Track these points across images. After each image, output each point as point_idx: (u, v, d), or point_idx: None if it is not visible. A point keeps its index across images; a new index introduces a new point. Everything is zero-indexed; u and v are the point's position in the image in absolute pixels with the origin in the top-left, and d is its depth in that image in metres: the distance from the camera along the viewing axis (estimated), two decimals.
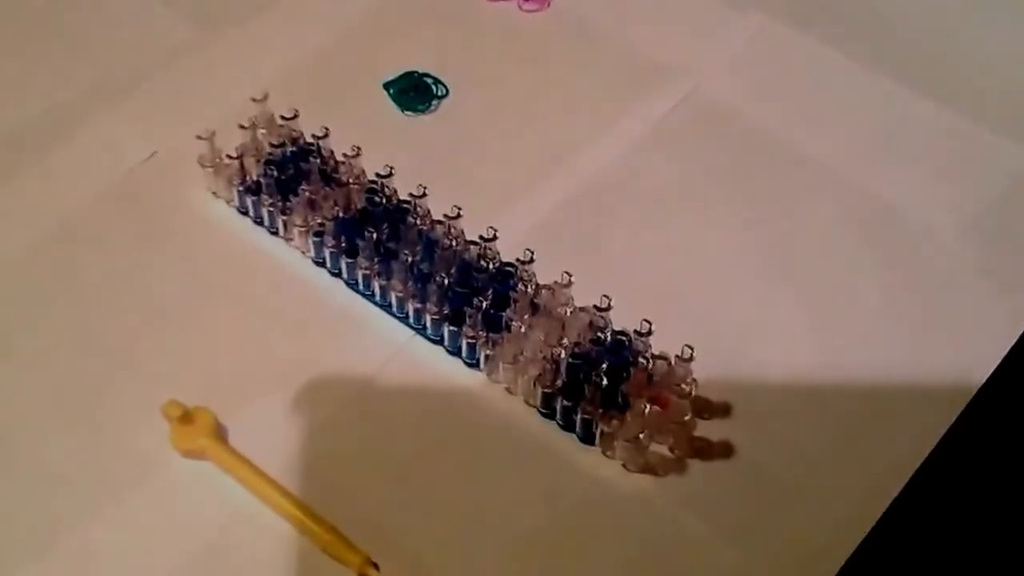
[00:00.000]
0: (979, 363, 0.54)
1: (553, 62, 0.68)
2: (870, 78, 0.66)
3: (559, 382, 0.51)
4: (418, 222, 0.56)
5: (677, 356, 0.50)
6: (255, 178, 0.59)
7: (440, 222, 0.55)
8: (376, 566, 0.47)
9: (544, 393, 0.51)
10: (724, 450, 0.51)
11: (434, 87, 0.66)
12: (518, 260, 0.54)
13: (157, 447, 0.51)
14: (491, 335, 0.52)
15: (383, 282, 0.55)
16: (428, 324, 0.54)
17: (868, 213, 0.60)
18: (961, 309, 0.56)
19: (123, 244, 0.59)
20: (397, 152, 0.58)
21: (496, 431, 0.52)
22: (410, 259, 0.53)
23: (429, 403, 0.53)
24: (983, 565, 0.48)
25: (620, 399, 0.50)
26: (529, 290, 0.53)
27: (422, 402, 0.53)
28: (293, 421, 0.52)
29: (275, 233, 0.59)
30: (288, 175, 0.58)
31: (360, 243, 0.54)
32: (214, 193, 0.60)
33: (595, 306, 0.52)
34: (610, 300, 0.52)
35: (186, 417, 0.51)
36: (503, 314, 0.52)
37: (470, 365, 0.54)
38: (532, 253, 0.53)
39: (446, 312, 0.53)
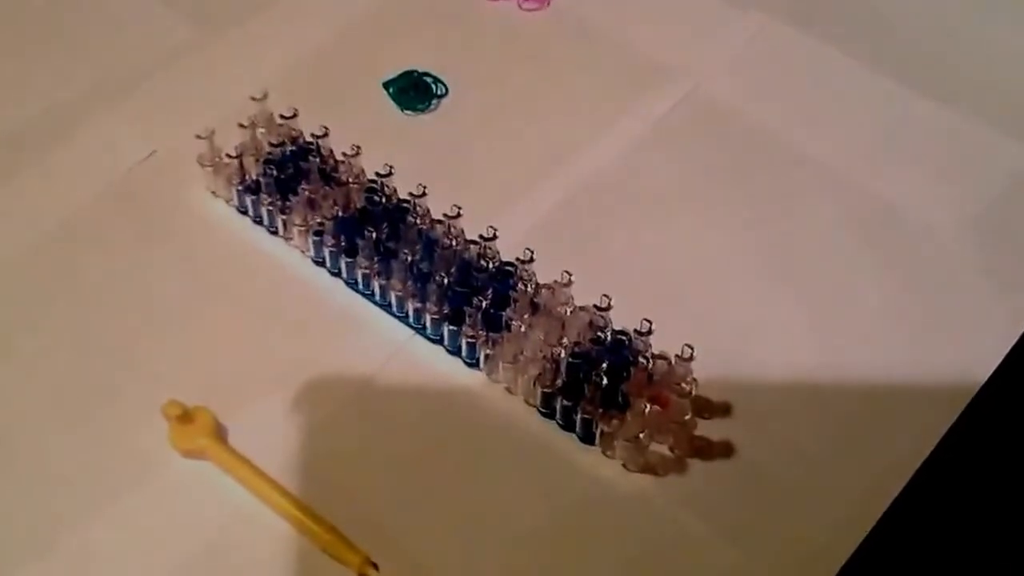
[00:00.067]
0: (979, 363, 0.54)
1: (553, 62, 0.68)
2: (870, 78, 0.66)
3: (559, 382, 0.51)
4: (418, 221, 0.55)
5: (677, 356, 0.50)
6: (254, 177, 0.59)
7: (440, 221, 0.55)
8: (376, 566, 0.47)
9: (544, 393, 0.51)
10: (724, 450, 0.51)
11: (434, 86, 0.66)
12: (518, 259, 0.54)
13: (157, 447, 0.51)
14: (491, 334, 0.52)
15: (383, 281, 0.55)
16: (428, 323, 0.54)
17: (868, 213, 0.60)
18: (961, 309, 0.56)
19: (123, 244, 0.59)
20: (397, 151, 0.58)
21: (496, 431, 0.52)
22: (410, 258, 0.53)
23: (429, 403, 0.53)
24: (983, 565, 0.48)
25: (620, 399, 0.50)
26: (529, 289, 0.53)
27: (422, 402, 0.53)
28: (293, 421, 0.52)
29: (275, 232, 0.59)
30: (288, 174, 0.58)
31: (360, 242, 0.54)
32: (213, 192, 0.60)
33: (595, 305, 0.52)
34: (610, 300, 0.52)
35: (186, 417, 0.51)
36: (503, 313, 0.52)
37: (470, 365, 0.54)
38: (532, 252, 0.53)
39: (446, 311, 0.53)
